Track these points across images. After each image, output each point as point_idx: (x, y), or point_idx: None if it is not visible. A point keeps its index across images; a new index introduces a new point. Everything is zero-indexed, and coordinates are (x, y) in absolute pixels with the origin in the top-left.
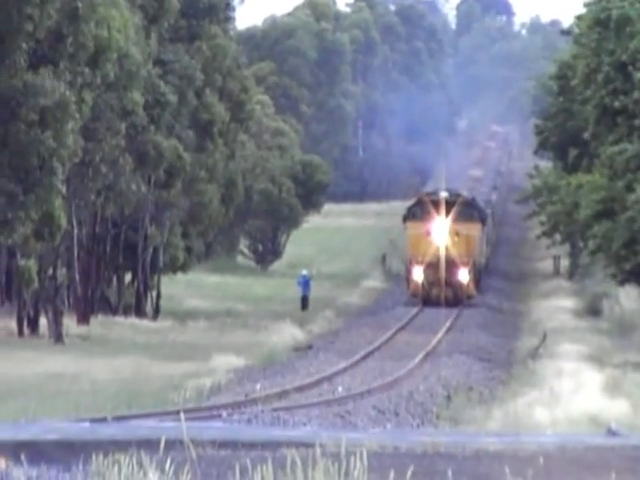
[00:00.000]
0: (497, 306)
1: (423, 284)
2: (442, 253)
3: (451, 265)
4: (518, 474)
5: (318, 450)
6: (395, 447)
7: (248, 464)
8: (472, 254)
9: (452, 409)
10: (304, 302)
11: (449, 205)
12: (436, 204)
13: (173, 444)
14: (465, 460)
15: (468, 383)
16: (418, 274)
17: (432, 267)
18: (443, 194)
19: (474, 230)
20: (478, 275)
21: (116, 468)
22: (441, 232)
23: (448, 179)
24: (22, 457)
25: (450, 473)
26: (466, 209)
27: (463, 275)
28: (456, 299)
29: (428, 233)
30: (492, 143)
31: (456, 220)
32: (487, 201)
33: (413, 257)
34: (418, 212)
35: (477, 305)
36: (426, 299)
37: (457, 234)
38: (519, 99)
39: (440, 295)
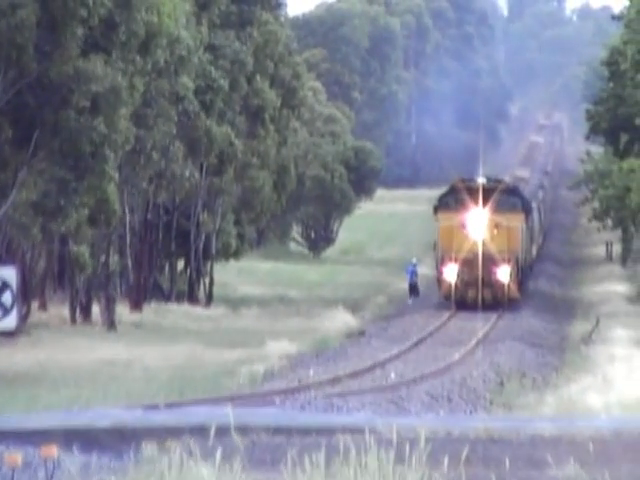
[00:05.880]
0: (549, 292)
1: (457, 285)
2: (479, 249)
3: (489, 262)
4: (575, 459)
5: (370, 436)
6: (448, 433)
7: (295, 453)
8: (514, 250)
9: (505, 395)
10: (413, 289)
11: (487, 193)
12: (472, 192)
13: (226, 430)
14: (520, 446)
15: (521, 369)
16: (451, 273)
17: (467, 265)
18: (480, 180)
19: (516, 222)
20: (522, 275)
21: (167, 456)
22: (478, 224)
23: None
24: (73, 445)
25: (506, 458)
26: (507, 198)
27: (503, 274)
28: (495, 302)
29: (463, 225)
30: (540, 138)
31: (496, 210)
32: (534, 197)
33: (445, 253)
34: (451, 201)
35: (530, 292)
36: (460, 302)
37: (497, 226)
38: (570, 84)
39: (476, 297)
